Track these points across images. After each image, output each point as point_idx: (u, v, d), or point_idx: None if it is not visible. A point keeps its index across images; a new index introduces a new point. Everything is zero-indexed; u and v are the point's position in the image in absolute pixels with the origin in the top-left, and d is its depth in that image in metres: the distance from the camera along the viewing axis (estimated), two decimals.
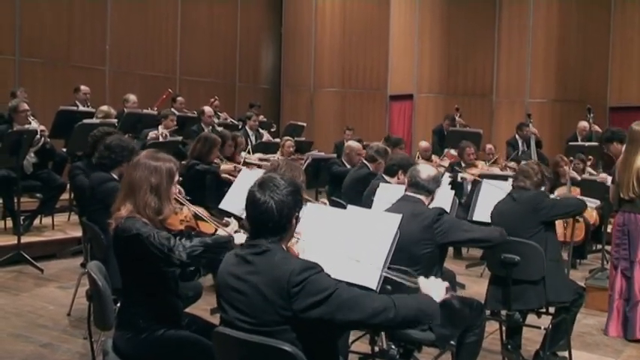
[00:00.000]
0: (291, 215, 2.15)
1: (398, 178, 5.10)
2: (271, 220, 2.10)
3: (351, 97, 14.20)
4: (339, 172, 6.99)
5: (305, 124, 11.77)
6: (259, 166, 6.54)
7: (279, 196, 2.11)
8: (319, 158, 7.81)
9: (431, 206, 3.62)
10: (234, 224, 3.01)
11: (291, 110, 14.54)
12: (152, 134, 7.70)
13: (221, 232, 2.88)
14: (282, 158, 6.60)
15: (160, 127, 8.01)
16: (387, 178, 5.28)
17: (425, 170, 3.69)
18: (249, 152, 7.79)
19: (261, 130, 9.97)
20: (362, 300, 2.08)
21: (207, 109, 9.16)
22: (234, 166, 6.18)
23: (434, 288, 2.28)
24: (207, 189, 5.89)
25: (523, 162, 4.47)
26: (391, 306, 2.11)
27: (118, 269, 2.75)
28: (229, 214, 4.15)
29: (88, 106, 8.53)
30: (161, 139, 7.59)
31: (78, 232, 6.31)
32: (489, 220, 4.14)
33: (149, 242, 2.61)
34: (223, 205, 4.81)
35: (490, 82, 13.11)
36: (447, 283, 2.33)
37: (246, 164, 6.74)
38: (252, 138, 9.69)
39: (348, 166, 7.16)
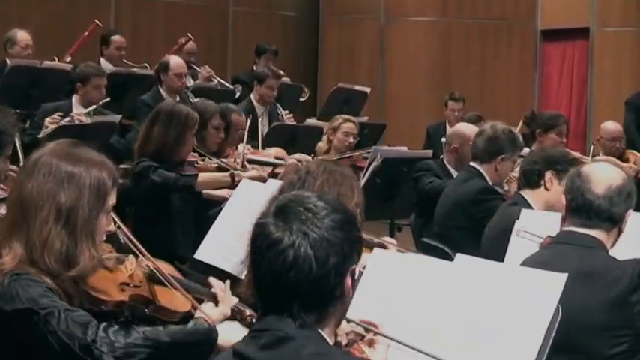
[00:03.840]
0: (343, 270, 1.62)
1: (545, 189, 3.51)
2: (303, 281, 1.58)
3: (462, 36, 9.61)
4: (436, 189, 4.74)
5: (368, 90, 7.48)
6: (274, 174, 4.46)
7: (319, 233, 1.60)
8: (396, 159, 5.11)
9: (618, 251, 2.58)
10: (228, 298, 2.22)
11: (339, 62, 9.94)
12: (54, 117, 4.92)
13: (200, 313, 2.13)
14: (318, 159, 4.81)
15: (73, 98, 5.32)
16: (524, 195, 3.63)
17: (602, 178, 2.56)
18: (253, 145, 5.27)
19: (279, 107, 6.54)
20: None
21: (175, 60, 6.10)
22: (231, 173, 4.17)
23: None
24: (176, 217, 4.09)
25: None
26: None
27: None
28: (220, 272, 2.67)
29: None
30: (76, 121, 4.90)
31: None
32: None
33: (48, 329, 1.87)
34: (203, 252, 3.16)
35: None
36: None
37: (249, 165, 4.51)
38: (263, 117, 6.33)
39: (454, 173, 4.83)
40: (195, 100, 5.56)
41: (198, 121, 4.16)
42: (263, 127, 6.17)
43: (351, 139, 5.63)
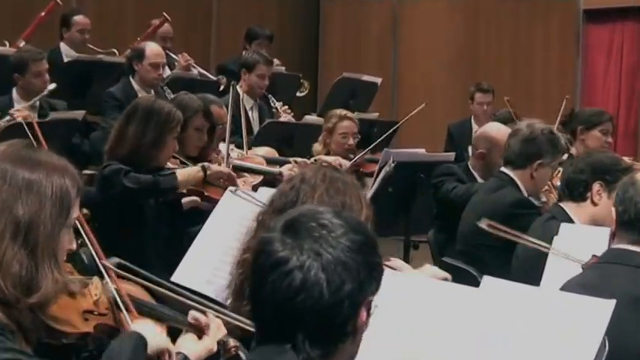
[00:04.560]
0: (358, 300, 1.66)
1: (592, 202, 3.59)
2: (311, 309, 1.61)
3: (491, 16, 9.89)
4: (463, 196, 4.80)
5: (379, 81, 7.86)
6: (265, 181, 4.59)
7: (334, 255, 1.64)
8: (411, 163, 5.16)
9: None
10: (214, 331, 2.26)
11: (343, 49, 10.33)
12: None
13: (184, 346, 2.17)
14: (317, 163, 4.92)
15: (13, 91, 5.33)
16: (565, 208, 3.68)
17: None
18: (237, 145, 5.24)
19: (272, 99, 6.69)
20: None
21: (152, 47, 6.19)
22: (203, 166, 4.26)
23: None
24: (148, 232, 4.19)
25: None
26: None
27: None
28: (202, 299, 2.57)
29: None
30: (19, 120, 4.61)
31: None
32: None
33: None
34: (181, 274, 3.29)
35: None
36: None
37: (236, 172, 4.52)
38: (253, 111, 6.49)
39: (481, 182, 4.93)
40: (173, 95, 5.60)
41: (179, 120, 4.20)
42: (253, 123, 6.24)
43: (351, 140, 5.71)
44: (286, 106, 6.58)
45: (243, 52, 7.22)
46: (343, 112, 5.85)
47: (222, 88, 6.79)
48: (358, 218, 2.29)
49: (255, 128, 6.17)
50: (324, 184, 2.47)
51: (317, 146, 5.78)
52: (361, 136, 5.87)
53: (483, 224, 3.21)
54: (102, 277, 2.34)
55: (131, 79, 6.09)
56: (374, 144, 5.81)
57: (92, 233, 2.54)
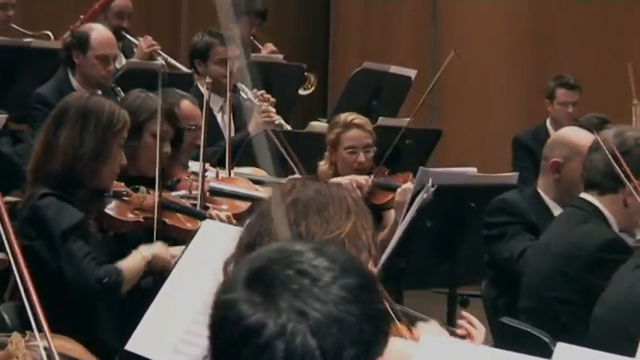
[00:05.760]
0: None
1: None
2: None
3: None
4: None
5: (413, 75, 8.08)
6: (252, 208, 4.62)
7: (324, 311, 1.71)
8: (457, 188, 5.30)
9: None
10: None
11: (363, 32, 10.59)
12: None
13: None
14: (318, 182, 5.02)
15: None
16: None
17: None
18: (216, 162, 5.58)
19: (241, 87, 6.74)
20: None
21: (100, 32, 6.28)
22: (145, 257, 4.39)
23: None
24: None
25: None
26: None
27: None
28: None
29: None
30: None
31: None
32: None
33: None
34: (140, 341, 3.45)
35: None
36: None
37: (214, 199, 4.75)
38: (223, 113, 6.66)
39: (555, 209, 4.93)
40: (119, 94, 5.82)
41: (129, 125, 4.38)
42: (224, 128, 6.36)
43: (362, 156, 5.75)
44: (262, 91, 6.61)
45: (194, 38, 7.22)
46: (350, 116, 5.91)
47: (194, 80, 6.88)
48: (343, 234, 2.45)
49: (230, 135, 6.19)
50: (290, 196, 2.59)
51: (322, 166, 5.89)
52: (390, 151, 5.92)
53: None
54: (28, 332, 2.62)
55: (69, 75, 6.21)
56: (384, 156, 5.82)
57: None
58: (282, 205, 2.62)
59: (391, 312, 3.48)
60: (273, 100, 6.61)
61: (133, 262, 4.45)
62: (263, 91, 6.68)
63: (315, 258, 1.77)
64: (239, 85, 6.70)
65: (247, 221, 2.73)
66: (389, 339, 1.79)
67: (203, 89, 6.37)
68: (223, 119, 6.58)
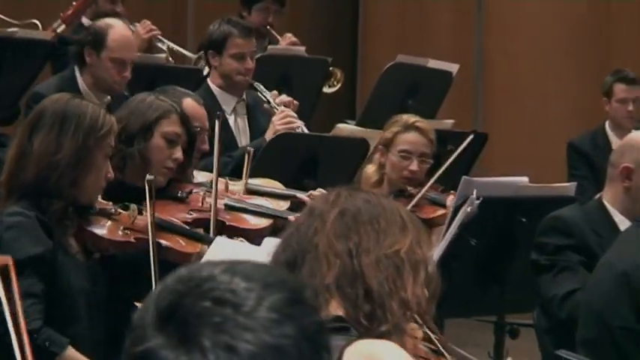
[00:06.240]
0: None
1: None
2: None
3: None
4: (575, 313, 5.03)
5: (454, 70, 8.16)
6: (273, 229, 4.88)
7: (255, 341, 1.77)
8: (505, 200, 5.45)
9: None
10: None
11: (397, 24, 10.86)
12: None
13: None
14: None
15: None
16: None
17: None
18: (204, 168, 5.55)
19: (259, 87, 6.79)
20: None
21: (118, 30, 6.42)
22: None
23: None
24: (84, 315, 4.52)
25: None
26: None
27: None
28: None
29: None
30: None
31: None
32: None
33: None
34: None
35: None
36: None
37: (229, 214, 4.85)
38: (237, 115, 6.81)
39: (622, 223, 5.05)
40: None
41: (115, 131, 4.45)
42: (238, 134, 6.47)
43: (414, 164, 5.84)
44: (283, 95, 6.67)
45: (210, 26, 7.22)
46: (412, 118, 6.03)
47: (207, 72, 6.98)
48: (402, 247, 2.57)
49: (243, 141, 6.31)
50: (335, 210, 2.70)
51: (369, 169, 5.99)
52: (443, 169, 5.96)
53: None
54: None
55: (77, 73, 6.25)
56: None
57: None
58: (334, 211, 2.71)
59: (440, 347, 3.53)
60: (296, 103, 6.66)
61: None
62: (284, 95, 6.74)
63: (231, 280, 1.78)
64: (256, 84, 6.77)
65: (283, 236, 2.86)
66: (331, 352, 1.83)
67: (214, 86, 6.50)
68: (236, 122, 6.64)
